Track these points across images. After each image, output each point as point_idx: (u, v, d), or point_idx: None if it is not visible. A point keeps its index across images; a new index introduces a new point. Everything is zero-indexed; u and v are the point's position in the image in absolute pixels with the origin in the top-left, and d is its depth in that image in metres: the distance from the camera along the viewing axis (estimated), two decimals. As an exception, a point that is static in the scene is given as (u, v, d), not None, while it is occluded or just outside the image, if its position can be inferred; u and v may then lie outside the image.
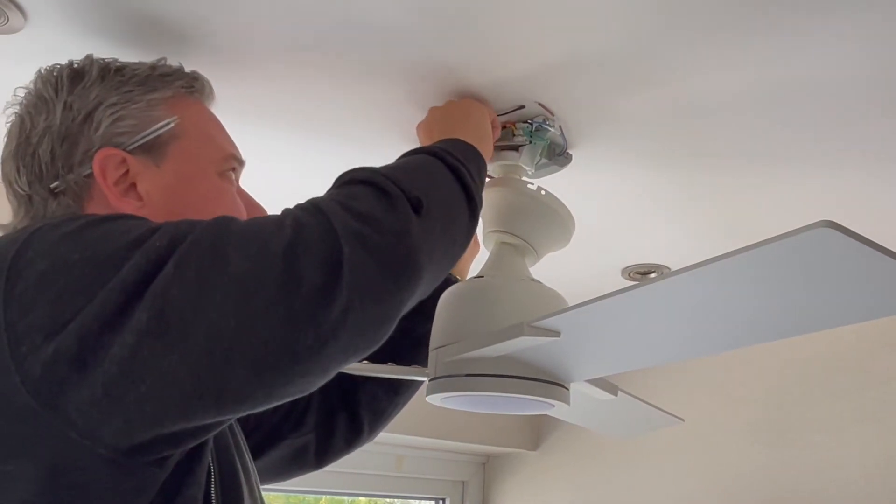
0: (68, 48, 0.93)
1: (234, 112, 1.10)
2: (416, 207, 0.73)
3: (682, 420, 1.22)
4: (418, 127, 1.07)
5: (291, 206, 0.71)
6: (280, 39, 0.95)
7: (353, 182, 0.75)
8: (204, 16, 0.91)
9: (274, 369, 0.63)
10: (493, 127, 1.06)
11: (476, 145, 0.93)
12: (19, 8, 0.89)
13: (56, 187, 0.79)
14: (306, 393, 0.69)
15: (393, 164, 0.82)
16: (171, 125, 0.83)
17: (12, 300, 0.63)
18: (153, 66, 0.86)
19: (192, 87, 0.88)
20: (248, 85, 1.05)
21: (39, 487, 0.63)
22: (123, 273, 0.63)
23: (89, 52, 0.85)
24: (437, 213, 0.76)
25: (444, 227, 0.77)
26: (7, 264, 0.65)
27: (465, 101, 1.05)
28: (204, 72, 0.92)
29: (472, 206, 0.85)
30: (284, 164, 1.27)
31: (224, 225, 0.68)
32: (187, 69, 0.90)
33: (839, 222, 0.57)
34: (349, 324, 0.64)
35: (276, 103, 1.10)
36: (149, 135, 0.81)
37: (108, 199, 0.79)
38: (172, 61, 0.89)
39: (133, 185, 0.80)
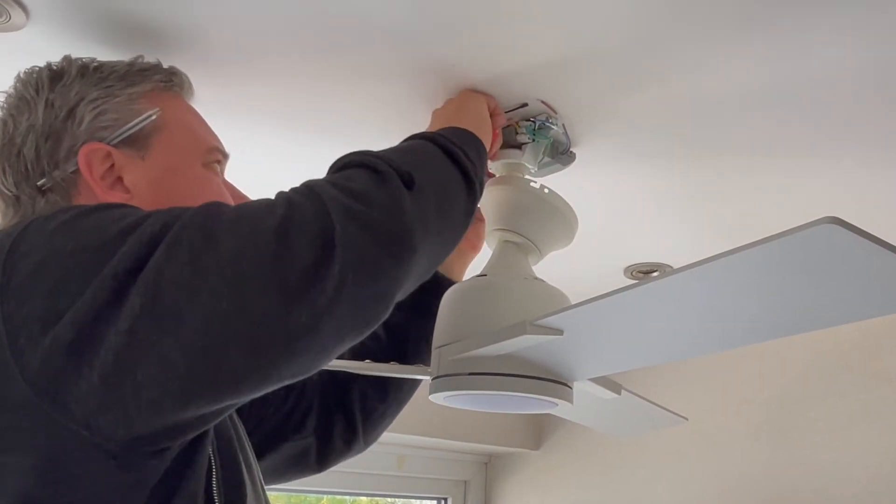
0: (70, 46, 0.93)
1: (235, 112, 1.10)
2: (408, 184, 0.73)
3: (686, 419, 1.22)
4: None
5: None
6: (283, 40, 0.95)
7: (346, 166, 0.76)
8: (207, 17, 0.91)
9: (269, 349, 0.63)
10: (495, 114, 1.05)
11: (472, 130, 0.93)
12: (21, 6, 0.89)
13: (43, 185, 0.79)
14: (304, 376, 0.68)
15: (386, 148, 0.82)
16: (154, 117, 0.83)
17: (8, 293, 0.63)
18: (131, 63, 0.87)
19: (170, 81, 0.89)
20: (250, 85, 1.05)
21: (37, 479, 0.63)
22: (116, 260, 0.63)
23: (85, 53, 0.86)
24: (431, 190, 0.76)
25: (440, 203, 0.77)
26: (3, 258, 0.65)
27: (461, 93, 1.05)
28: (208, 73, 0.92)
29: (470, 185, 0.85)
30: (285, 161, 1.26)
31: (215, 208, 0.68)
32: (188, 69, 0.91)
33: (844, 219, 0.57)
34: (344, 301, 0.64)
35: (278, 103, 1.10)
36: (132, 128, 0.82)
37: (95, 194, 0.79)
38: (174, 62, 0.90)
39: (119, 179, 0.80)
